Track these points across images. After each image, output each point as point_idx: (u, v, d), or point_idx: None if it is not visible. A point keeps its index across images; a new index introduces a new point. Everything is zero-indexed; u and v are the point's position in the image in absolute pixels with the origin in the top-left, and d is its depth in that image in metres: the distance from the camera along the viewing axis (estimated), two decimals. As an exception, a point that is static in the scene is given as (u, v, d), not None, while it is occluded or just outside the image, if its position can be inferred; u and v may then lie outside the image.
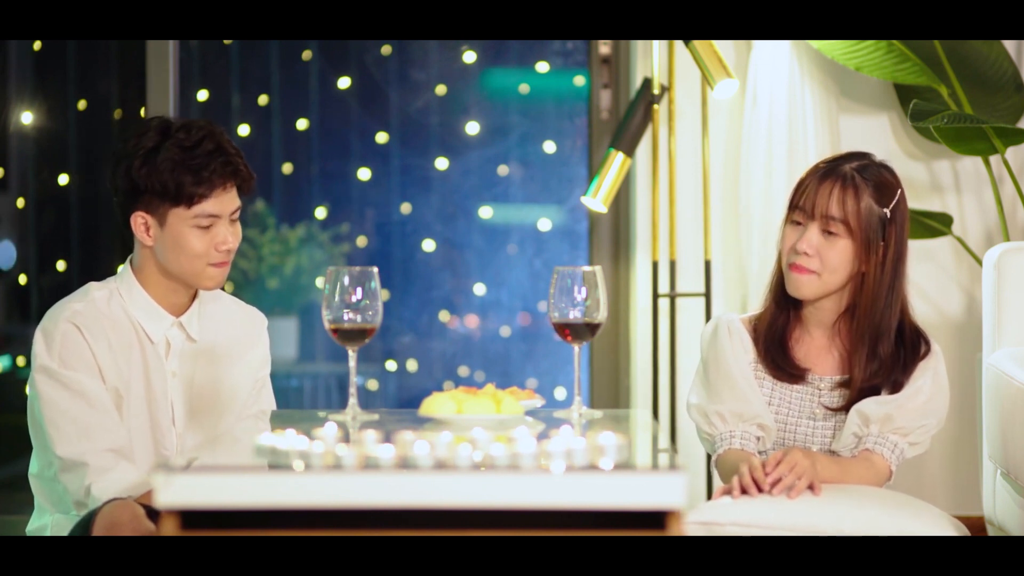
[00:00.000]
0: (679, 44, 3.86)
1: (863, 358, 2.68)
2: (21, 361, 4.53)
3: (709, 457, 2.74)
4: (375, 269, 2.34)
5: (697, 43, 3.68)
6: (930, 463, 3.95)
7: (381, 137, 4.52)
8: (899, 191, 2.71)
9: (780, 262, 2.74)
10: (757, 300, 2.85)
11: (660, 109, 3.90)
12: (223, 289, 2.76)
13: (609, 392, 4.17)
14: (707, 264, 3.87)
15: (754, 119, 3.82)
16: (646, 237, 3.99)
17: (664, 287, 3.93)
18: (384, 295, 3.92)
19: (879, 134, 3.98)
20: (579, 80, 4.41)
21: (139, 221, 2.59)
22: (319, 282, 4.62)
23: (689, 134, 3.97)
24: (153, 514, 2.35)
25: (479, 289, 4.55)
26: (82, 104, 4.46)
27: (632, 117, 3.83)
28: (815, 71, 3.81)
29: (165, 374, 2.62)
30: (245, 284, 4.62)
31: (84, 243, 4.49)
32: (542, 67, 4.46)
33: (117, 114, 4.41)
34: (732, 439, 2.67)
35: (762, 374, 2.73)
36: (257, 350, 2.75)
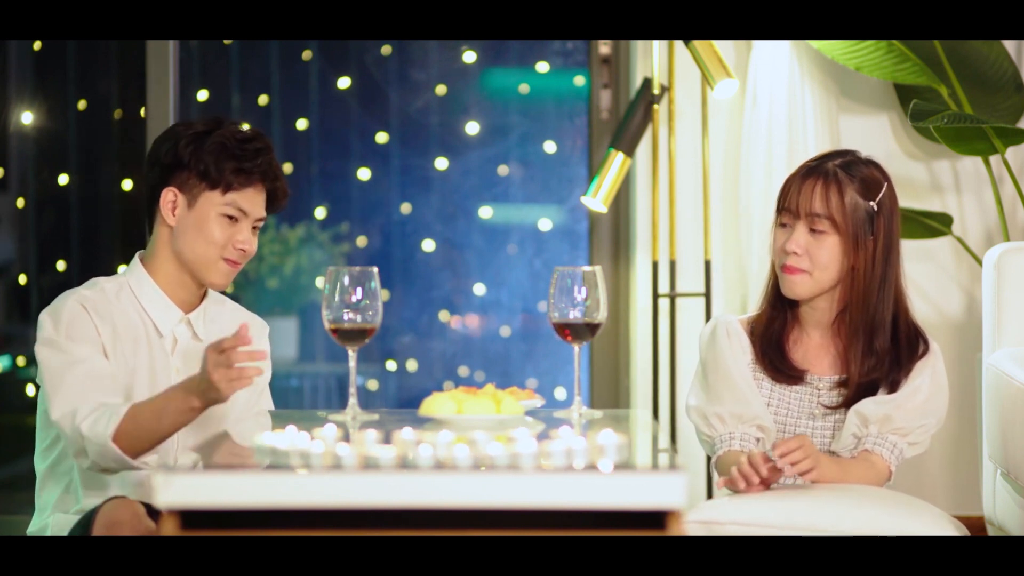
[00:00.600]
0: (679, 44, 3.86)
1: (859, 353, 2.68)
2: (21, 361, 4.53)
3: (709, 458, 2.73)
4: (375, 269, 2.34)
5: (697, 43, 3.69)
6: (930, 463, 3.95)
7: (381, 137, 4.52)
8: (885, 184, 2.70)
9: (773, 265, 2.75)
10: (757, 300, 2.84)
11: (660, 109, 3.90)
12: (224, 293, 2.76)
13: (609, 392, 4.17)
14: (707, 264, 3.87)
15: (754, 119, 3.82)
16: (646, 237, 3.99)
17: (664, 287, 3.93)
18: (384, 295, 3.92)
19: (879, 134, 3.98)
20: (579, 80, 4.41)
21: (169, 197, 2.61)
22: (319, 282, 4.62)
23: (689, 134, 3.97)
24: (154, 513, 2.35)
25: (479, 289, 4.55)
26: (82, 104, 4.46)
27: (632, 117, 3.83)
28: (815, 71, 3.81)
29: (169, 370, 2.62)
30: (245, 284, 4.62)
31: (84, 243, 4.49)
32: (542, 67, 4.46)
33: (117, 114, 4.41)
34: (731, 441, 2.67)
35: (761, 375, 2.73)
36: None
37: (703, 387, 2.73)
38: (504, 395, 2.31)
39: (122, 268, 2.70)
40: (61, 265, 4.47)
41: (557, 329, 2.43)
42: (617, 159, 3.83)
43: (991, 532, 3.24)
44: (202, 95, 4.44)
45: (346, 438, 2.03)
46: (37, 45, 4.44)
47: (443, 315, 4.58)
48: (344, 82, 4.50)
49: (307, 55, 4.53)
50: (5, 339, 4.57)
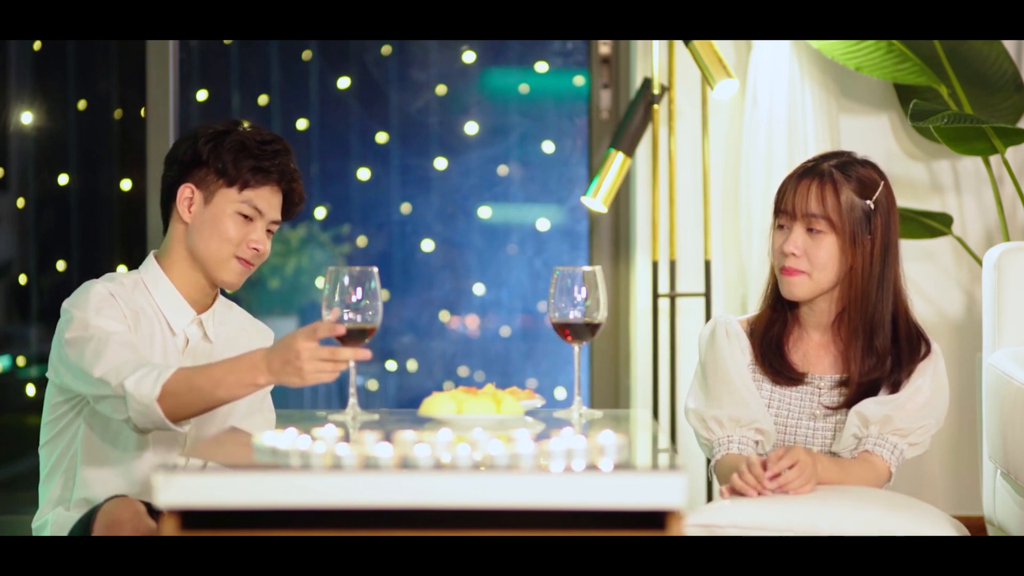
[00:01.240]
0: (679, 44, 3.86)
1: (859, 352, 2.68)
2: (21, 361, 4.53)
3: (709, 459, 2.73)
4: (375, 269, 2.34)
5: (697, 43, 3.69)
6: (930, 463, 3.95)
7: (381, 137, 4.51)
8: (881, 183, 2.70)
9: (772, 268, 2.75)
10: (757, 300, 2.85)
11: (660, 109, 3.90)
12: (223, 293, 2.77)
13: (609, 392, 4.17)
14: (707, 264, 3.87)
15: (754, 119, 3.82)
16: (646, 237, 3.99)
17: (664, 287, 3.93)
18: (384, 295, 3.92)
19: (879, 134, 3.98)
20: (579, 80, 4.41)
21: (186, 193, 2.63)
22: (319, 282, 4.62)
23: (689, 134, 3.97)
24: (154, 511, 2.35)
25: (479, 289, 4.55)
26: (82, 104, 4.45)
27: (632, 117, 3.83)
28: (815, 71, 3.81)
29: None
30: (246, 284, 4.60)
31: (84, 243, 4.48)
32: (542, 67, 4.45)
33: (117, 114, 4.41)
34: (730, 444, 2.67)
35: (760, 376, 2.73)
36: None
37: (702, 389, 2.73)
38: (504, 395, 2.31)
39: (121, 268, 2.70)
40: (61, 265, 4.47)
41: (557, 329, 2.43)
42: (617, 159, 3.83)
43: (991, 532, 3.24)
44: (202, 95, 4.44)
45: (346, 438, 2.03)
46: (37, 45, 4.44)
47: (443, 315, 4.58)
48: (344, 82, 4.50)
49: (307, 55, 4.53)
50: (5, 339, 4.57)
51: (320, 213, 4.58)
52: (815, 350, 2.74)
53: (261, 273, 4.62)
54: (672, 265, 3.85)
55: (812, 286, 2.69)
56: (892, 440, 2.65)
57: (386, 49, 4.49)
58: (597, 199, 3.84)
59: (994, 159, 3.85)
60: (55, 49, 4.44)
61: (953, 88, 3.72)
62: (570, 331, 2.42)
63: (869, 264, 2.68)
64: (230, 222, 2.62)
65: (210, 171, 2.62)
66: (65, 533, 2.53)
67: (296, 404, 4.61)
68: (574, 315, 2.41)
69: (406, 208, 4.53)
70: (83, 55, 4.46)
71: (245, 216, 2.62)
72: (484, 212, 4.51)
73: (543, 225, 4.49)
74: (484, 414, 2.25)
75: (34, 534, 2.66)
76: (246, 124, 2.67)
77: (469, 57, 4.43)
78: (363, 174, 4.53)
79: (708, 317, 3.83)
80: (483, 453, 1.88)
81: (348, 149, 4.55)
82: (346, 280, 2.32)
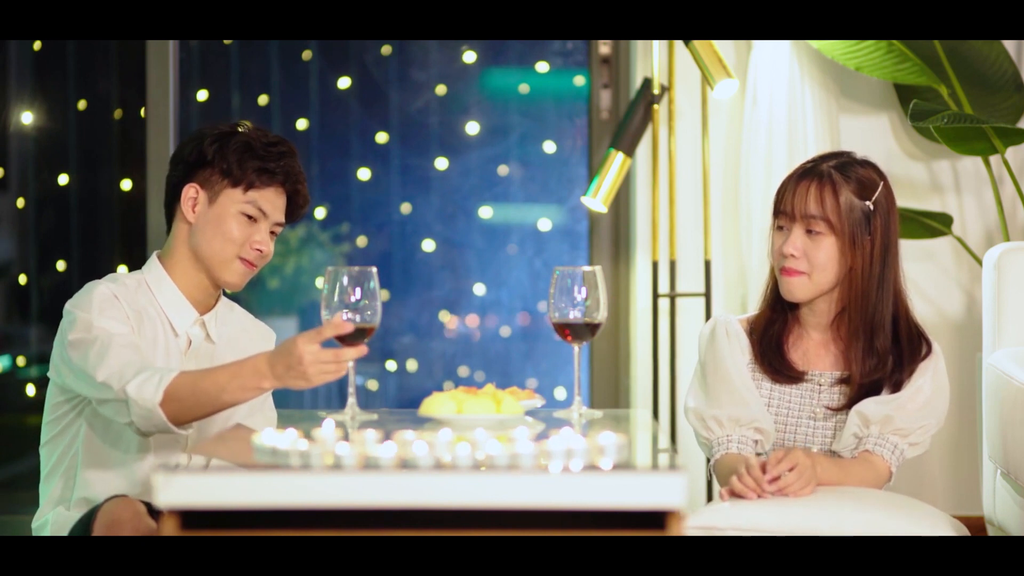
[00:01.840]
0: (679, 44, 3.86)
1: (860, 353, 2.68)
2: (21, 361, 4.53)
3: (708, 459, 2.73)
4: (374, 269, 2.34)
5: (697, 43, 3.69)
6: (930, 463, 3.95)
7: (381, 137, 4.51)
8: (881, 184, 2.70)
9: (772, 268, 2.75)
10: (757, 300, 2.85)
11: (660, 109, 3.90)
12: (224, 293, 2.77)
13: (609, 392, 4.17)
14: (707, 264, 3.87)
15: (754, 119, 3.82)
16: (646, 237, 3.99)
17: (664, 287, 3.93)
18: (384, 295, 3.92)
19: (879, 134, 3.98)
20: (579, 80, 4.41)
21: (190, 193, 2.64)
22: (319, 282, 4.62)
23: (689, 134, 3.97)
24: (154, 511, 2.35)
25: (479, 289, 4.55)
26: (82, 104, 4.45)
27: (632, 117, 3.83)
28: (815, 71, 3.81)
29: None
30: (246, 284, 4.61)
31: (84, 243, 4.48)
32: (542, 67, 4.45)
33: (117, 114, 4.41)
34: (729, 444, 2.66)
35: (760, 375, 2.73)
36: None
37: (702, 388, 2.73)
38: (504, 395, 2.31)
39: (122, 268, 2.69)
40: (61, 265, 4.47)
41: (557, 329, 2.43)
42: (617, 159, 3.83)
43: (991, 532, 3.24)
44: (202, 95, 4.44)
45: (346, 438, 2.03)
46: (37, 45, 4.44)
47: (443, 315, 4.58)
48: (344, 82, 4.50)
49: (307, 55, 4.53)
50: (5, 339, 4.57)
51: (320, 213, 4.58)
52: (815, 349, 2.74)
53: (261, 273, 4.60)
54: (672, 265, 3.85)
55: (812, 287, 2.69)
56: (892, 440, 2.64)
57: (386, 49, 4.49)
58: (597, 199, 3.84)
59: (994, 159, 3.85)
60: (55, 49, 4.44)
61: (953, 88, 3.72)
62: (570, 331, 2.42)
63: (869, 265, 2.68)
64: (234, 222, 2.62)
65: (215, 171, 2.62)
66: (65, 533, 2.54)
67: (296, 404, 4.61)
68: (574, 315, 2.41)
69: (406, 208, 4.53)
70: (83, 55, 4.46)
71: (249, 217, 2.63)
72: (484, 212, 4.51)
73: (543, 225, 4.49)
74: (484, 414, 2.25)
75: (34, 534, 2.66)
76: (250, 125, 2.68)
77: (469, 57, 4.43)
78: (363, 174, 4.53)
79: (708, 317, 3.83)
80: (483, 453, 1.88)
81: (348, 149, 4.55)
82: (345, 280, 2.32)
